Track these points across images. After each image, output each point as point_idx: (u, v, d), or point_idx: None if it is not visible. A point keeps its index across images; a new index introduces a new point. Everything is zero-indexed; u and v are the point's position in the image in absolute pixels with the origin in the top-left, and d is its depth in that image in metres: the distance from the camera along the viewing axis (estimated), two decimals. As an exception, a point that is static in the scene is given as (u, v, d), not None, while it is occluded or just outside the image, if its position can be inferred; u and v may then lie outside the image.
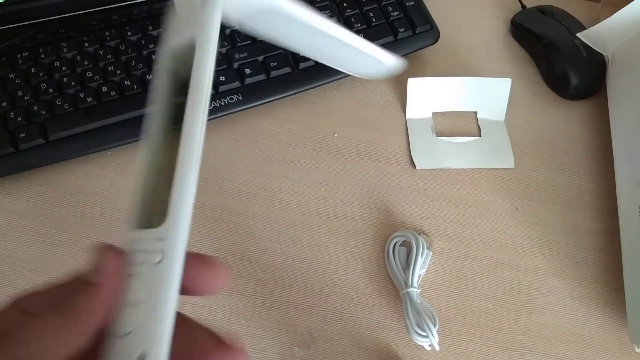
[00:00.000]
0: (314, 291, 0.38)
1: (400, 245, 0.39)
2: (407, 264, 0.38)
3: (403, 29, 0.47)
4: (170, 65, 0.22)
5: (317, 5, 0.48)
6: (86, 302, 0.18)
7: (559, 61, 0.47)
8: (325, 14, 0.47)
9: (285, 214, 0.41)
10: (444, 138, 0.45)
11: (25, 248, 0.39)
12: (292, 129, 0.45)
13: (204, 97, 0.20)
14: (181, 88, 0.21)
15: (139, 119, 0.42)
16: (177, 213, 0.18)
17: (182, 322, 0.18)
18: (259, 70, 0.44)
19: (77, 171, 0.42)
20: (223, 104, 0.43)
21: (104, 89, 0.42)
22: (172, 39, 0.22)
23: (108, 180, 0.42)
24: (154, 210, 0.20)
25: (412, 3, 0.48)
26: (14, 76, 0.42)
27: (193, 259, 0.19)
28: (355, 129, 0.45)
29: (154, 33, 0.45)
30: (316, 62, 0.45)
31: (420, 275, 0.38)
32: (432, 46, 0.48)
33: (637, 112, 0.40)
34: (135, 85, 0.42)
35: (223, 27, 0.46)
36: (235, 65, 0.44)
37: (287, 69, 0.45)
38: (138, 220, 0.20)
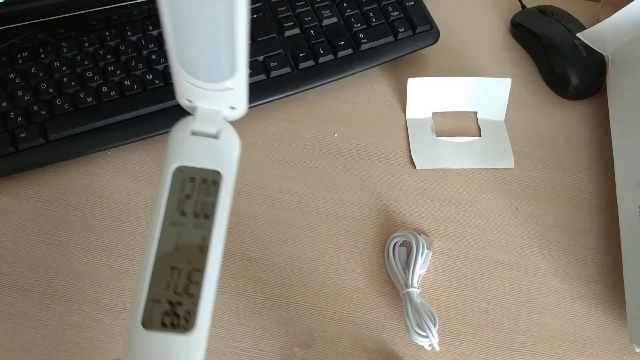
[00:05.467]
0: (314, 291, 0.38)
1: (400, 245, 0.39)
2: (407, 264, 0.38)
3: (403, 29, 0.47)
4: (172, 177, 0.24)
5: (317, 5, 0.48)
6: None
7: (559, 61, 0.47)
8: (325, 14, 0.47)
9: (285, 214, 0.41)
10: (444, 138, 0.45)
11: (25, 248, 0.39)
12: (292, 129, 0.45)
13: (225, 227, 0.24)
14: (180, 201, 0.23)
15: (139, 119, 0.42)
16: (202, 329, 0.22)
17: None
18: (259, 70, 0.44)
19: (77, 171, 0.42)
20: (223, 104, 0.43)
21: (104, 89, 0.42)
22: (181, 156, 0.24)
23: (108, 180, 0.42)
24: (165, 310, 0.22)
25: (412, 3, 0.48)
26: (14, 76, 0.42)
27: None
28: (355, 129, 0.45)
29: (154, 33, 0.45)
30: (316, 62, 0.45)
31: (420, 275, 0.38)
32: (432, 46, 0.48)
33: (637, 112, 0.40)
34: (135, 85, 0.42)
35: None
36: (235, 65, 0.44)
37: (287, 69, 0.45)
38: (143, 317, 0.22)
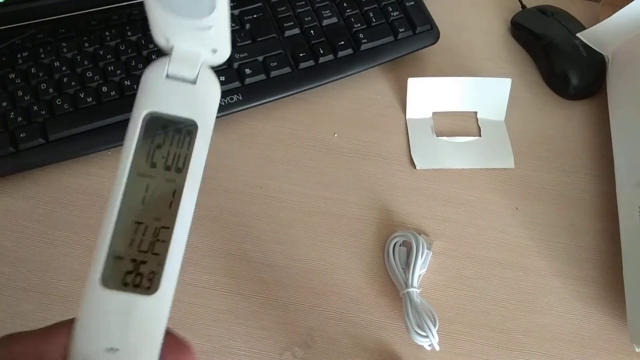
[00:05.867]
0: (314, 291, 0.38)
1: (400, 245, 0.39)
2: (407, 264, 0.38)
3: (403, 29, 0.47)
4: (142, 126, 0.22)
5: (317, 5, 0.48)
6: None
7: (559, 61, 0.47)
8: (325, 14, 0.47)
9: (285, 214, 0.41)
10: (444, 138, 0.45)
11: (25, 248, 0.39)
12: (292, 129, 0.45)
13: (198, 183, 0.22)
14: (153, 154, 0.22)
15: (139, 119, 0.42)
16: (167, 291, 0.20)
17: None
18: (259, 70, 0.44)
19: (77, 171, 0.42)
20: (223, 104, 0.43)
21: (104, 89, 0.42)
22: (153, 102, 0.22)
23: (108, 180, 0.42)
24: (127, 268, 0.21)
25: (412, 3, 0.48)
26: (14, 76, 0.42)
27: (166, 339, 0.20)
28: (355, 129, 0.45)
29: (154, 33, 0.45)
30: (316, 62, 0.45)
31: (420, 275, 0.38)
32: (432, 46, 0.48)
33: (637, 112, 0.40)
34: (135, 85, 0.42)
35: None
36: (235, 65, 0.44)
37: (287, 69, 0.45)
38: (103, 275, 0.20)
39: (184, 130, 0.22)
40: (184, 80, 0.22)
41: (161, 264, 0.20)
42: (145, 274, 0.20)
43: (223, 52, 0.23)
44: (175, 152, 0.22)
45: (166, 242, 0.20)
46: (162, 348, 0.20)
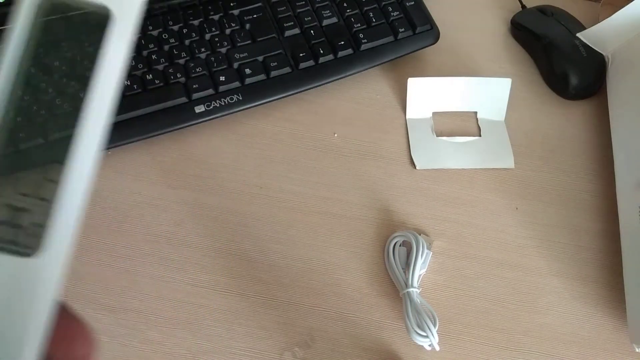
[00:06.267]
0: (314, 291, 0.38)
1: (400, 245, 0.39)
2: (407, 264, 0.38)
3: (403, 29, 0.47)
4: (47, 14, 0.15)
5: (317, 5, 0.48)
6: None
7: (559, 61, 0.47)
8: (325, 14, 0.47)
9: (285, 214, 0.41)
10: (444, 138, 0.45)
11: (25, 248, 0.39)
12: (292, 129, 0.45)
13: (111, 101, 0.15)
14: (47, 54, 0.16)
15: (139, 119, 0.42)
16: (56, 253, 0.15)
17: None
18: (259, 70, 0.44)
19: (77, 171, 0.42)
20: (223, 104, 0.43)
21: (104, 89, 0.42)
22: None
23: (108, 180, 0.42)
24: (5, 219, 0.15)
25: (412, 3, 0.48)
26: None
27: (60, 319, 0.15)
28: (355, 129, 0.45)
29: (154, 33, 0.45)
30: (316, 62, 0.45)
31: (420, 275, 0.38)
32: (432, 46, 0.48)
33: (637, 112, 0.40)
34: (135, 85, 0.42)
35: (222, 27, 0.46)
36: (235, 65, 0.44)
37: (287, 69, 0.45)
38: None
39: (93, 21, 0.15)
40: None
41: (48, 213, 0.15)
42: (26, 226, 0.15)
43: None
44: (79, 53, 0.16)
45: (56, 182, 0.15)
46: (50, 331, 0.15)
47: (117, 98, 0.16)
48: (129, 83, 0.42)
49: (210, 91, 0.43)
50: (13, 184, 0.15)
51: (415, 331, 0.35)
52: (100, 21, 0.15)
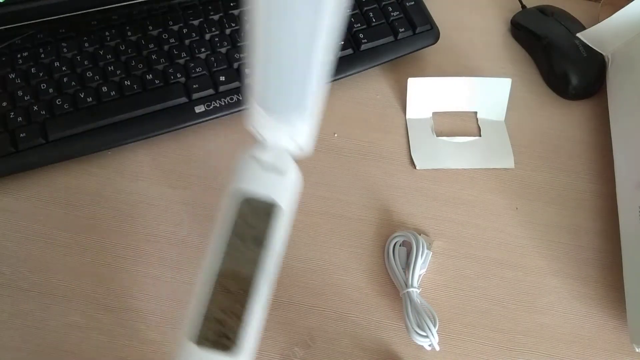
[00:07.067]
0: (314, 291, 0.38)
1: (400, 245, 0.39)
2: (407, 264, 0.38)
3: (403, 29, 0.47)
4: (238, 205, 0.26)
5: (317, 5, 0.47)
6: None
7: (559, 61, 0.47)
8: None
9: (285, 214, 0.41)
10: (444, 138, 0.45)
11: (25, 248, 0.39)
12: (292, 129, 0.45)
13: (278, 258, 0.25)
14: (243, 228, 0.25)
15: (139, 119, 0.42)
16: (247, 349, 0.23)
17: None
18: (259, 70, 0.44)
19: (77, 171, 0.42)
20: (223, 103, 0.43)
21: (104, 89, 0.42)
22: (249, 186, 0.26)
23: (108, 180, 0.42)
24: (215, 330, 0.24)
25: (412, 3, 0.48)
26: (14, 76, 0.42)
27: None
28: (355, 129, 0.45)
29: (154, 33, 0.45)
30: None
31: (420, 275, 0.38)
32: (432, 46, 0.48)
33: (637, 112, 0.40)
34: (135, 85, 0.42)
35: (222, 27, 0.46)
36: (235, 65, 0.44)
37: (287, 69, 0.45)
38: (197, 334, 0.23)
39: (273, 214, 0.25)
40: (275, 170, 0.27)
41: (243, 327, 0.23)
42: (230, 335, 0.23)
43: (307, 149, 0.28)
44: (262, 231, 0.25)
45: (248, 308, 0.24)
46: None
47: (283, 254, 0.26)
48: (129, 83, 0.42)
49: (210, 91, 0.43)
50: (223, 309, 0.24)
51: (415, 331, 0.35)
52: (276, 212, 0.26)
